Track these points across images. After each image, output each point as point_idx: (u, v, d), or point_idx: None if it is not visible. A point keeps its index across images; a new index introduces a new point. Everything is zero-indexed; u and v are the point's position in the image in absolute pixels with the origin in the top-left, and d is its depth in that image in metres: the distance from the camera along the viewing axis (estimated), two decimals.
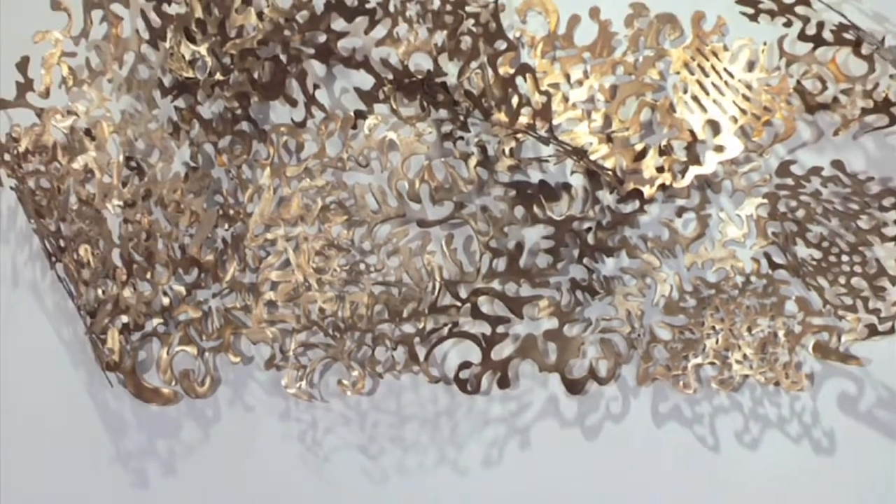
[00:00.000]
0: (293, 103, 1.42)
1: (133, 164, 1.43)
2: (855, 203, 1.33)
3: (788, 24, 1.32)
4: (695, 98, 1.34)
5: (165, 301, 1.44)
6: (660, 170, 1.33)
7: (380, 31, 1.38)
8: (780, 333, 1.37)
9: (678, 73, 1.35)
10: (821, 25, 1.32)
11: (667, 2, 1.36)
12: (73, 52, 1.41)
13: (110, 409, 1.50)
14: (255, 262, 1.43)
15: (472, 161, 1.39)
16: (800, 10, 1.30)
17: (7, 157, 1.40)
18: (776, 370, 1.36)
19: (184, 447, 1.49)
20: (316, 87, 1.42)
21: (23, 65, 1.41)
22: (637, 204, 1.39)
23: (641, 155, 1.34)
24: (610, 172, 1.34)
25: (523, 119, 1.30)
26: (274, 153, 1.42)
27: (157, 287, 1.43)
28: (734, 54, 1.34)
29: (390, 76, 1.37)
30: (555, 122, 1.33)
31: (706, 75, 1.35)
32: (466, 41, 1.33)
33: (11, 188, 1.44)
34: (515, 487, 1.44)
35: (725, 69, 1.34)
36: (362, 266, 1.41)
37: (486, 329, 1.40)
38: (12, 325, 1.52)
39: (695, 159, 1.32)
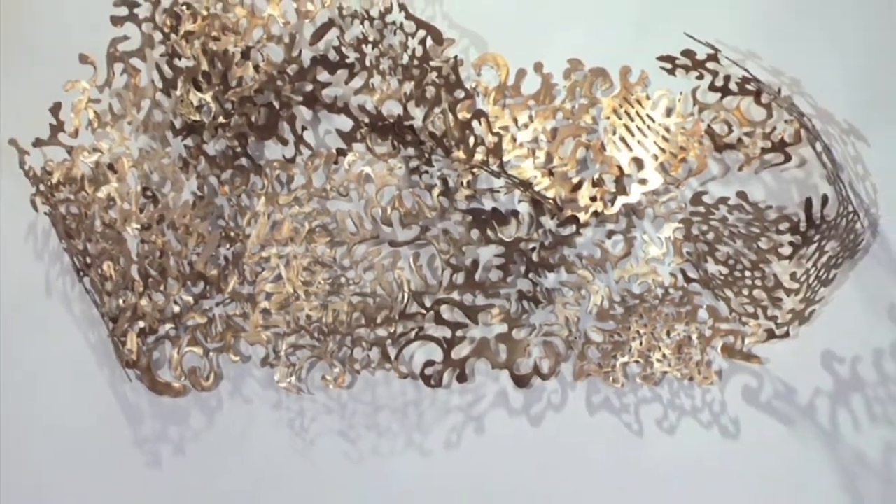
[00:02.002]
0: (284, 142, 1.45)
1: (149, 193, 1.45)
2: (756, 227, 1.35)
3: (700, 77, 1.35)
4: (622, 139, 1.37)
5: (176, 309, 1.46)
6: (593, 199, 1.36)
7: (357, 82, 1.42)
8: (694, 337, 1.39)
9: (608, 118, 1.38)
10: (727, 78, 1.35)
11: (599, 58, 1.38)
12: (98, 98, 1.44)
13: (129, 401, 1.53)
14: (252, 276, 1.45)
15: (436, 191, 1.41)
16: (710, 65, 1.33)
17: (42, 187, 1.44)
18: (690, 367, 1.38)
19: (191, 433, 1.52)
20: (304, 128, 1.45)
21: (55, 109, 1.44)
22: (574, 228, 1.40)
23: (577, 186, 1.37)
24: (551, 201, 1.37)
25: (478, 156, 1.33)
26: (268, 184, 1.45)
27: (169, 297, 1.45)
28: (655, 102, 1.37)
29: (366, 120, 1.40)
30: (505, 158, 1.36)
31: (632, 120, 1.37)
32: (430, 90, 1.35)
33: (46, 214, 1.47)
34: (472, 466, 1.46)
35: (648, 115, 1.37)
36: (343, 280, 1.43)
37: (447, 333, 1.43)
38: (46, 329, 1.54)
39: (622, 190, 1.36)
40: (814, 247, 1.33)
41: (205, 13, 1.40)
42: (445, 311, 1.43)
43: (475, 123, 1.33)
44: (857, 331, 1.38)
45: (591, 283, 1.41)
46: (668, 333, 1.39)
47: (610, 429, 1.44)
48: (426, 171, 1.42)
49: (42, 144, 1.45)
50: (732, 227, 1.36)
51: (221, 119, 1.42)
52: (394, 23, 1.37)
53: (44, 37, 1.53)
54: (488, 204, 1.42)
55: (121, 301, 1.45)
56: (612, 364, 1.41)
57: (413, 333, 1.44)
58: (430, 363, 1.44)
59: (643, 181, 1.36)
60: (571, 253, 1.42)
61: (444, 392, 1.46)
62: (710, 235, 1.37)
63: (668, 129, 1.36)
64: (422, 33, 1.35)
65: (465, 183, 1.41)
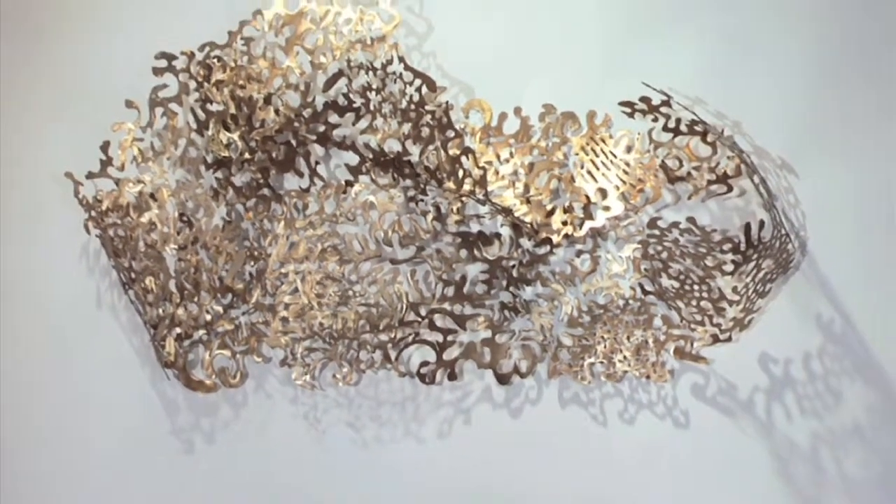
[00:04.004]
0: (300, 175, 1.50)
1: (184, 218, 1.49)
2: (703, 248, 1.40)
3: (655, 120, 1.41)
4: (589, 172, 1.42)
5: (208, 317, 1.50)
6: (564, 223, 1.42)
7: (363, 123, 1.46)
8: (650, 341, 1.43)
9: (577, 154, 1.43)
10: (678, 121, 1.40)
11: (569, 103, 1.44)
12: (142, 137, 1.50)
13: (167, 396, 1.56)
14: (273, 290, 1.49)
15: (430, 217, 1.46)
16: (663, 109, 1.39)
17: (93, 213, 1.49)
18: (647, 367, 1.43)
19: (221, 423, 1.55)
20: (317, 163, 1.50)
21: (105, 147, 1.50)
22: (548, 248, 1.45)
23: (551, 213, 1.42)
24: (529, 225, 1.42)
25: (466, 186, 1.39)
26: (287, 211, 1.49)
27: (202, 307, 1.49)
28: (617, 141, 1.42)
29: (370, 156, 1.45)
30: (489, 188, 1.41)
31: (597, 156, 1.42)
32: (425, 131, 1.41)
33: (96, 236, 1.52)
34: (461, 452, 1.50)
35: (611, 151, 1.42)
36: (350, 292, 1.47)
37: (439, 338, 1.47)
38: (97, 335, 1.58)
39: (589, 216, 1.42)
40: (752, 264, 1.37)
41: (233, 65, 1.46)
42: (438, 319, 1.48)
43: (464, 159, 1.40)
44: (789, 336, 1.43)
45: (562, 295, 1.46)
46: (628, 338, 1.44)
47: (579, 420, 1.48)
48: (422, 200, 1.46)
49: (93, 177, 1.51)
50: (683, 247, 1.40)
51: (247, 155, 1.47)
52: (394, 73, 1.42)
53: (95, 85, 1.58)
54: (475, 227, 1.47)
55: (160, 311, 1.49)
56: (580, 364, 1.46)
57: (410, 338, 1.48)
58: (425, 363, 1.48)
59: (607, 208, 1.41)
60: (546, 269, 1.47)
61: (437, 388, 1.50)
62: (664, 254, 1.42)
63: (628, 164, 1.42)
64: (418, 82, 1.41)
65: (455, 209, 1.47)
